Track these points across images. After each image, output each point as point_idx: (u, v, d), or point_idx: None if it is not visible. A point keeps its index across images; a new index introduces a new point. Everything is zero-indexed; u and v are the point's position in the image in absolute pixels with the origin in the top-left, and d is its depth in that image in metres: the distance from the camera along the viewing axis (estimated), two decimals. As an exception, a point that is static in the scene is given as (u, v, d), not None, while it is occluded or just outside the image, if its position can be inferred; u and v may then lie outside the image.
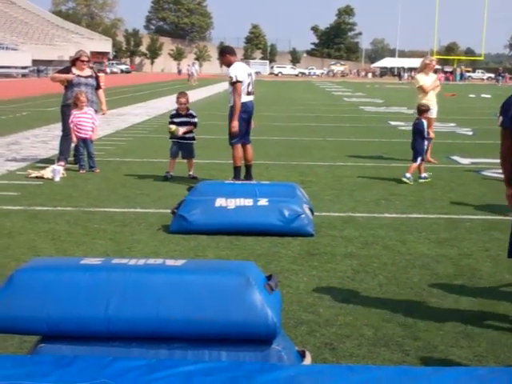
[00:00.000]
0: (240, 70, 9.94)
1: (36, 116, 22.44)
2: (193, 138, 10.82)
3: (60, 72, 12.35)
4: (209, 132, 16.89)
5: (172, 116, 10.86)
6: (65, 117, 11.64)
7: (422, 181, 10.80)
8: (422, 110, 11.16)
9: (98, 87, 11.99)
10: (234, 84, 9.78)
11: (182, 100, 10.73)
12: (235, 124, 9.83)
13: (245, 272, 3.72)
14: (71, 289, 3.55)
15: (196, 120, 10.83)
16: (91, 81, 11.76)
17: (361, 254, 6.64)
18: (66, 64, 12.13)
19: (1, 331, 3.66)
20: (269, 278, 3.87)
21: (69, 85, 11.63)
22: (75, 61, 11.75)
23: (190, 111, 10.80)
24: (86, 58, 11.76)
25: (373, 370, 3.52)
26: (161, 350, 3.55)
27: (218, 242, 6.98)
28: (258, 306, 3.55)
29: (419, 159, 10.89)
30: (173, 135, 10.77)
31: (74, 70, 11.68)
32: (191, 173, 10.86)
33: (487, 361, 4.23)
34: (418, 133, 10.96)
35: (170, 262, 3.83)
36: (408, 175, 10.71)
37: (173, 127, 10.69)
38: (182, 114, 10.74)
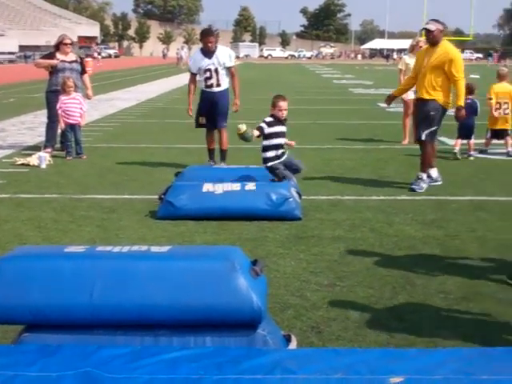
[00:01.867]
0: None
1: (23, 102, 22.31)
2: (285, 152, 8.10)
3: (44, 57, 12.28)
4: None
5: (268, 123, 7.89)
6: (50, 103, 11.59)
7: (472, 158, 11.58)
8: (474, 89, 11.72)
9: (83, 72, 11.90)
10: (234, 67, 10.06)
11: (283, 104, 7.91)
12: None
13: (230, 257, 3.71)
14: (55, 277, 3.54)
15: None
16: (76, 66, 11.67)
17: (348, 237, 6.65)
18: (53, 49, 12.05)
19: (-15, 321, 3.65)
20: (254, 262, 3.87)
21: (53, 70, 11.56)
22: (59, 45, 11.67)
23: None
24: (68, 41, 11.67)
25: (358, 353, 3.54)
26: (146, 337, 3.55)
27: (206, 227, 6.97)
28: (243, 291, 3.55)
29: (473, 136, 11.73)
30: (244, 138, 7.85)
31: (58, 55, 11.61)
32: None
33: (472, 342, 4.25)
34: (475, 112, 11.61)
35: (154, 249, 3.82)
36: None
37: (243, 127, 7.77)
38: (281, 122, 7.98)
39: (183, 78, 34.86)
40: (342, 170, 10.31)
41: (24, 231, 6.82)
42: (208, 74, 9.90)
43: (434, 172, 9.13)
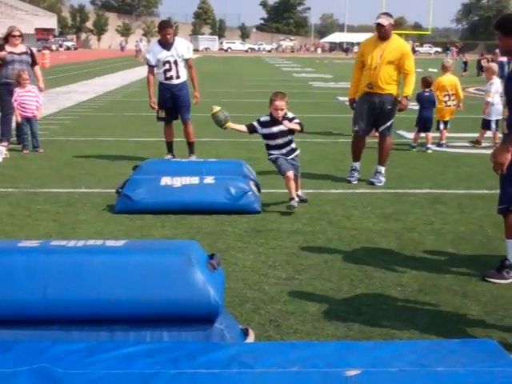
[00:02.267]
0: None
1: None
2: (296, 149, 7.82)
3: None
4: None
5: (262, 124, 7.63)
6: (1, 97, 11.41)
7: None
8: (431, 82, 12.15)
9: (33, 64, 11.72)
10: (191, 59, 10.12)
11: (279, 104, 7.45)
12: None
13: (186, 251, 3.70)
14: (8, 272, 3.49)
15: (298, 121, 7.61)
16: (25, 57, 11.48)
17: (306, 230, 6.66)
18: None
19: None
20: (211, 256, 3.86)
21: (3, 63, 11.38)
22: (8, 37, 11.50)
23: (288, 114, 7.57)
24: (17, 33, 11.48)
25: (315, 346, 3.55)
26: (102, 332, 3.52)
27: (164, 221, 6.93)
28: (200, 285, 3.54)
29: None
30: (216, 119, 7.54)
31: (7, 47, 11.43)
32: (300, 193, 7.72)
33: (429, 334, 4.29)
34: (433, 104, 12.03)
35: (110, 243, 3.79)
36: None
37: (216, 107, 7.57)
38: (278, 121, 7.53)
39: (142, 71, 34.60)
40: (301, 163, 10.25)
41: (-22, 226, 6.70)
42: (167, 66, 9.88)
43: (358, 164, 9.17)
